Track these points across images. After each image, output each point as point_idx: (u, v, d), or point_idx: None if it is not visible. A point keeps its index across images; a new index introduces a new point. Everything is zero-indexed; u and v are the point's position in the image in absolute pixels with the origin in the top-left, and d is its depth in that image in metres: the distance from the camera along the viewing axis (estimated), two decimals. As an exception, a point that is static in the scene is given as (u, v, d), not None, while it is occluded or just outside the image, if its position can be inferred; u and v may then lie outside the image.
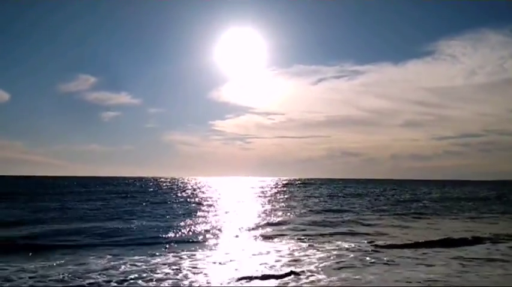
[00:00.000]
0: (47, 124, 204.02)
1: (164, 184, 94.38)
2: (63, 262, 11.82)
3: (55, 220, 21.45)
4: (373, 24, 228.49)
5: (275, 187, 79.48)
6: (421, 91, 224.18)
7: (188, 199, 41.20)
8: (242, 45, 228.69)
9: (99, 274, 10.36)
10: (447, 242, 15.49)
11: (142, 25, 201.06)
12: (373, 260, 12.25)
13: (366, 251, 13.77)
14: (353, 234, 18.09)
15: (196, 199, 41.24)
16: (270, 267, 11.37)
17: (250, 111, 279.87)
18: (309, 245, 14.81)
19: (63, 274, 10.33)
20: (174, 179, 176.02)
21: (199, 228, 19.09)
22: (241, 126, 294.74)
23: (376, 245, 14.81)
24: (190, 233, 17.75)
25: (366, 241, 15.66)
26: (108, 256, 12.65)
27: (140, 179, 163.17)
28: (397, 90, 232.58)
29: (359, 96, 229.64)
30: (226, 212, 27.49)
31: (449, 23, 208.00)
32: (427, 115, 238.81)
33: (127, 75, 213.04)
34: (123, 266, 11.25)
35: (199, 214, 26.24)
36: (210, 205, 33.32)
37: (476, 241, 15.97)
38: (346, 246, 14.61)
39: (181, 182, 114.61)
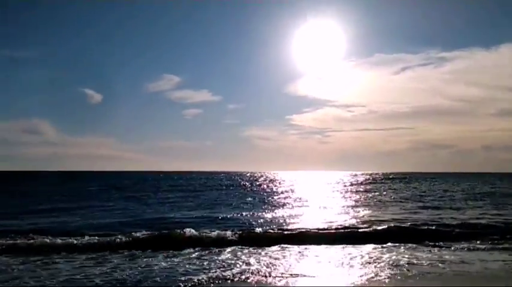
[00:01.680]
0: (135, 122, 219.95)
1: (245, 178, 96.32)
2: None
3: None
4: (461, 6, 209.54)
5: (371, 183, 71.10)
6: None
7: (275, 194, 41.12)
8: (319, 37, 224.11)
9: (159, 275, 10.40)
10: None
11: (220, 24, 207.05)
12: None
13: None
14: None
15: (287, 194, 40.96)
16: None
17: (329, 104, 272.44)
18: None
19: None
20: (255, 173, 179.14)
21: (290, 224, 18.38)
22: (319, 119, 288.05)
23: None
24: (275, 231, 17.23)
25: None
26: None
27: (223, 173, 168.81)
28: (490, 77, 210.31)
29: (447, 85, 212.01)
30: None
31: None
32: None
33: (207, 74, 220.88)
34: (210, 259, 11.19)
35: (290, 209, 25.73)
36: (308, 202, 31.48)
37: None
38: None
39: (262, 176, 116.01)
